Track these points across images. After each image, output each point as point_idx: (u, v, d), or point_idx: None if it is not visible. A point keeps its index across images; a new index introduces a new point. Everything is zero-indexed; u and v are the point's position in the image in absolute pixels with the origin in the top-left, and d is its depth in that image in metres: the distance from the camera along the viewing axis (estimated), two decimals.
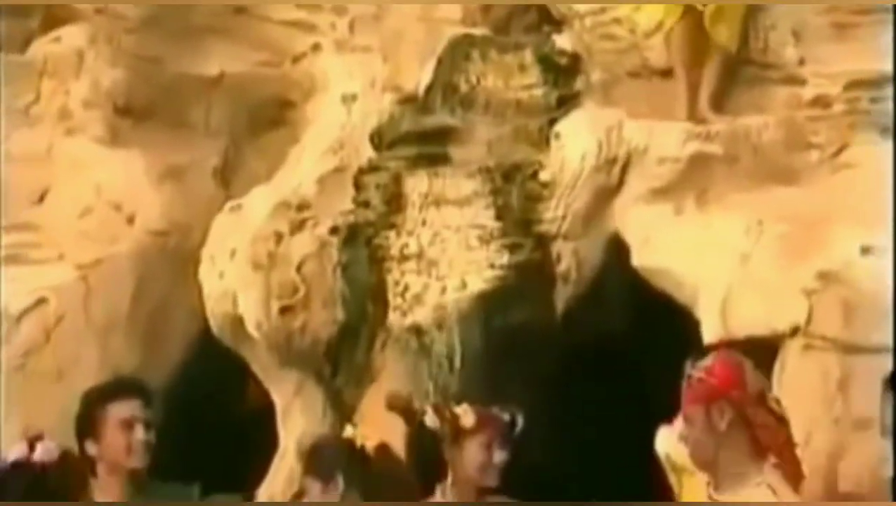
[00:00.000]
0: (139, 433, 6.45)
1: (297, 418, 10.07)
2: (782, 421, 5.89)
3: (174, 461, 7.43)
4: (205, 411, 10.02)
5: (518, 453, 6.84)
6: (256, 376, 10.36)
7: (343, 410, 9.96)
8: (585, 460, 6.92)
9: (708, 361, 6.14)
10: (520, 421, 6.88)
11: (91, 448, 6.51)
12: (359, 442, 7.48)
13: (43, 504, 6.10)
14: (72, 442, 6.47)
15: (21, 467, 6.17)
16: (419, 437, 6.87)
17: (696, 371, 6.03)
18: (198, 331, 10.52)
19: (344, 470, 6.63)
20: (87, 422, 6.62)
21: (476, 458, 6.61)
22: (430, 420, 6.69)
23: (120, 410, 6.49)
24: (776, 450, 5.91)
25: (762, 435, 5.76)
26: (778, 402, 6.05)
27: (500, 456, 6.66)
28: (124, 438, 6.48)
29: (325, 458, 6.92)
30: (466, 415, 6.68)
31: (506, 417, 6.81)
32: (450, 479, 6.65)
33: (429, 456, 6.74)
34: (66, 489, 6.20)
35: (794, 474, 5.98)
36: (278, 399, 10.16)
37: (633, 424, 8.59)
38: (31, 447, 6.11)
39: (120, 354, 10.47)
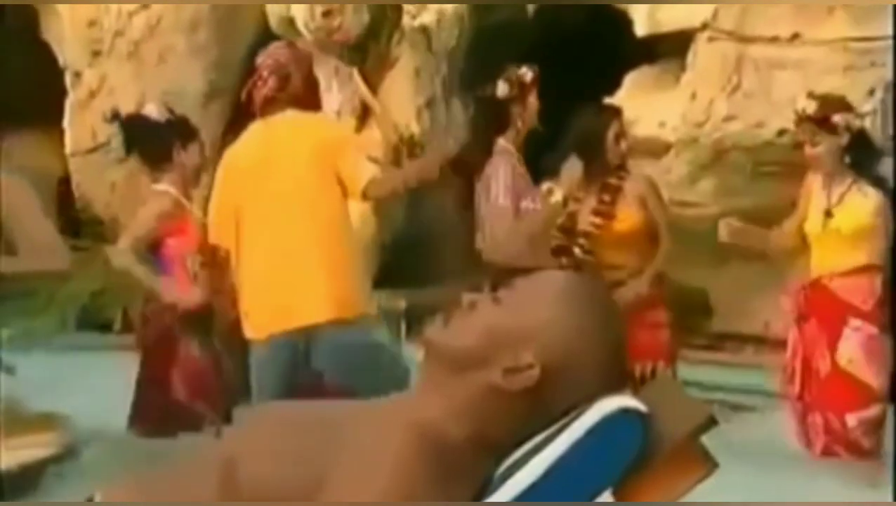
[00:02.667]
0: None
1: (335, 91, 10.30)
2: None
3: None
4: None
5: None
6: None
7: (369, 88, 10.09)
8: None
9: None
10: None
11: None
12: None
13: None
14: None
15: (132, 119, 6.88)
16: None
17: None
18: (261, 29, 10.71)
19: None
20: None
21: (535, 104, 6.66)
22: (501, 89, 6.58)
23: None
24: None
25: None
26: None
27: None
28: None
29: None
30: (527, 73, 6.62)
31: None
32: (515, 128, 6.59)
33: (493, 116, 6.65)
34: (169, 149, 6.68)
35: None
36: (321, 78, 10.42)
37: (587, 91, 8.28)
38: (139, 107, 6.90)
39: (203, 47, 10.90)
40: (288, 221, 5.73)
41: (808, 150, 6.44)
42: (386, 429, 2.04)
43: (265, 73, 5.99)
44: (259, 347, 5.72)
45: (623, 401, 2.05)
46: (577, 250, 6.57)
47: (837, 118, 6.32)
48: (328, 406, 2.31)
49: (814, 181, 6.50)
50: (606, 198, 6.56)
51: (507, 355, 2.07)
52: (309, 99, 6.08)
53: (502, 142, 6.54)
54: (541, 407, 2.07)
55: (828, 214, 6.36)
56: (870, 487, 5.89)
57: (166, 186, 6.67)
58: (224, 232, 6.00)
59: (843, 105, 6.47)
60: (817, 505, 5.45)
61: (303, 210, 5.73)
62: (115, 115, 6.93)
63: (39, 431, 6.25)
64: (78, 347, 9.19)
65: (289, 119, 5.96)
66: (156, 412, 6.45)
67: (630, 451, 2.01)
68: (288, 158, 5.81)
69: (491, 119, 6.63)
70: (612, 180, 6.59)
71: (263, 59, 6.08)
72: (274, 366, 5.68)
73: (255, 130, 6.06)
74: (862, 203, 6.30)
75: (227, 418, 6.22)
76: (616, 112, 6.88)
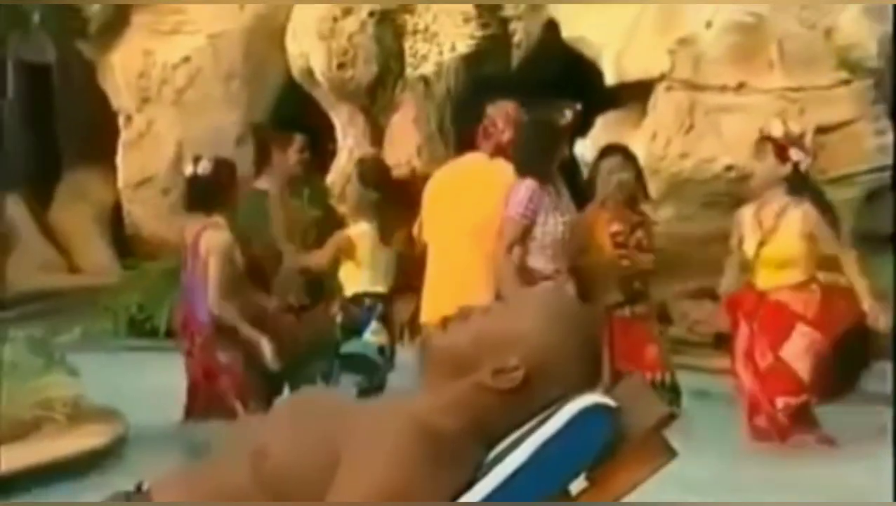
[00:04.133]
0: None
1: (349, 134, 10.41)
2: None
3: None
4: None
5: None
6: (321, 107, 10.50)
7: (377, 128, 10.39)
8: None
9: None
10: None
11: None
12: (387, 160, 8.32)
13: None
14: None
15: (192, 179, 6.69)
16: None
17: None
18: (284, 78, 10.76)
19: (375, 180, 7.15)
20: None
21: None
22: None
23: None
24: None
25: None
26: None
27: None
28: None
29: (364, 167, 7.48)
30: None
31: None
32: None
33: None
34: (219, 191, 6.58)
35: None
36: (337, 122, 10.41)
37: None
38: (196, 164, 6.68)
39: (236, 96, 10.82)
40: (468, 240, 6.16)
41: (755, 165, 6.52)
42: (389, 419, 2.04)
43: (501, 123, 6.36)
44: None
45: (595, 398, 2.05)
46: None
47: (793, 151, 6.33)
48: (343, 398, 2.30)
49: (745, 216, 6.48)
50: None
51: (496, 358, 2.06)
52: (507, 153, 6.39)
53: None
54: (525, 403, 2.07)
55: (761, 243, 6.33)
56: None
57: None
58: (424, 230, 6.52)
59: (801, 143, 6.48)
60: (818, 505, 5.25)
61: (478, 236, 6.14)
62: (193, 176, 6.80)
63: (98, 422, 6.24)
64: (130, 349, 9.13)
65: (497, 163, 6.36)
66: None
67: (601, 441, 2.01)
68: (485, 192, 6.22)
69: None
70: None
71: (497, 111, 6.46)
72: None
73: (471, 160, 6.58)
74: (790, 231, 6.28)
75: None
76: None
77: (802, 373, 6.19)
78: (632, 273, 6.63)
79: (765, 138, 6.38)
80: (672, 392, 6.49)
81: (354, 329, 6.89)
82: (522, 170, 6.23)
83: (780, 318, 6.25)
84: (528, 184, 6.18)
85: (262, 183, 7.02)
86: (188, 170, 6.75)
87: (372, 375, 6.76)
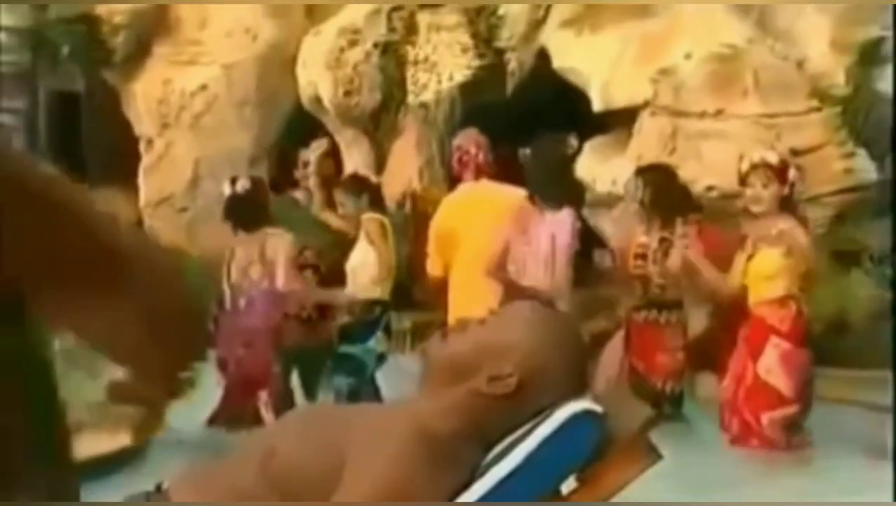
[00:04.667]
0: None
1: (354, 155, 10.31)
2: None
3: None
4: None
5: None
6: (328, 131, 10.34)
7: (380, 151, 10.38)
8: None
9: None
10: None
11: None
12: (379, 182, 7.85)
13: None
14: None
15: (232, 198, 6.66)
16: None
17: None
18: (295, 105, 10.72)
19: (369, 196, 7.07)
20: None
21: None
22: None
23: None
24: None
25: None
26: None
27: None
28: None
29: (353, 184, 7.33)
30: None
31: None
32: None
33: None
34: (259, 208, 6.62)
35: None
36: (342, 145, 10.26)
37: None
38: (233, 184, 6.69)
39: (249, 121, 10.76)
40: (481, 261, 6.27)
41: (753, 191, 6.41)
42: (391, 423, 2.05)
43: (473, 149, 6.59)
44: None
45: (584, 404, 2.05)
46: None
47: (791, 172, 6.38)
48: (349, 407, 2.30)
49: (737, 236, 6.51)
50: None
51: (491, 366, 2.06)
52: (489, 173, 6.61)
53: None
54: (518, 408, 2.07)
55: (749, 258, 6.33)
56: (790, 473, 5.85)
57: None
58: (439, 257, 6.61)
59: (794, 163, 6.58)
60: (818, 505, 5.14)
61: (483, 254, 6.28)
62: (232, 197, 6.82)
63: (120, 426, 6.09)
64: None
65: (491, 186, 6.57)
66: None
67: (590, 444, 2.02)
68: (490, 214, 6.37)
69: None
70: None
71: (466, 139, 6.68)
72: None
73: (467, 189, 6.69)
74: (774, 251, 6.27)
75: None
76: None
77: (780, 385, 6.13)
78: (646, 283, 6.67)
79: (762, 166, 6.37)
80: (673, 404, 6.47)
81: (357, 333, 6.83)
82: (549, 203, 6.39)
83: (758, 332, 6.24)
84: (567, 213, 6.38)
85: (298, 194, 7.05)
86: (227, 190, 6.75)
87: (362, 378, 6.70)
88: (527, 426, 2.05)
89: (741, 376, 6.25)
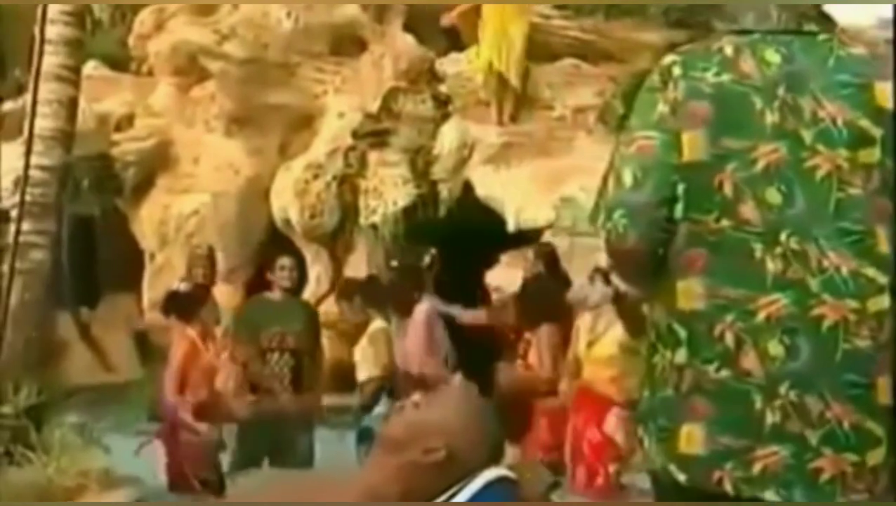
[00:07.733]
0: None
1: (316, 266, 10.41)
2: None
3: None
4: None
5: None
6: (297, 246, 10.23)
7: (337, 262, 10.33)
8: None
9: None
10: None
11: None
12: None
13: None
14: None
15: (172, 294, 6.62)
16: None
17: None
18: (268, 226, 10.75)
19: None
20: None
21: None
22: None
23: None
24: None
25: None
26: None
27: None
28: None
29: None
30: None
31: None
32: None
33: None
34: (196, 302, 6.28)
35: None
36: (308, 256, 10.17)
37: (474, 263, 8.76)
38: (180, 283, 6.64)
39: (230, 239, 10.64)
40: None
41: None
42: (348, 486, 2.04)
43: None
44: None
45: (500, 471, 2.03)
46: None
47: (613, 277, 5.87)
48: (304, 475, 2.26)
49: (584, 322, 6.10)
50: None
51: (426, 441, 2.04)
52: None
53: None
54: (448, 473, 2.05)
55: (589, 344, 5.97)
56: None
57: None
58: None
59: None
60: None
61: None
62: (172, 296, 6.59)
63: (123, 487, 6.06)
64: (150, 432, 8.88)
65: None
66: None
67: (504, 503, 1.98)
68: None
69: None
70: None
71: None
72: None
73: None
74: (611, 337, 5.87)
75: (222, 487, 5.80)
76: None
77: (621, 441, 5.72)
78: None
79: (596, 270, 6.15)
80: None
81: (368, 406, 6.41)
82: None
83: (599, 403, 5.85)
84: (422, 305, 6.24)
85: (270, 294, 6.52)
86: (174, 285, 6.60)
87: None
88: (454, 488, 2.03)
89: (585, 439, 5.84)
